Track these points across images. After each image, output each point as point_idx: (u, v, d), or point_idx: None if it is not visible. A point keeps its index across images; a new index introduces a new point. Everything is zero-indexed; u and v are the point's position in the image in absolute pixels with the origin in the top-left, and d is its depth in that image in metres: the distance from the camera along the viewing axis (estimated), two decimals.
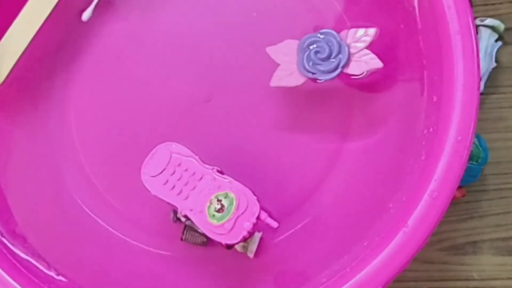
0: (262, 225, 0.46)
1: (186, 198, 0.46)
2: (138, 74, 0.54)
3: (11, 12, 0.51)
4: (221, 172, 0.47)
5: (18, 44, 0.50)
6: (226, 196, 0.45)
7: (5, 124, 0.54)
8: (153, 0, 0.56)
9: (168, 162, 0.47)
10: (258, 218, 0.45)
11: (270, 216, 0.46)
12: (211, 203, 0.45)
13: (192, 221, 0.46)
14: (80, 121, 0.54)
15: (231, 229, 0.44)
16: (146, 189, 0.47)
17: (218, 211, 0.44)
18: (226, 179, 0.46)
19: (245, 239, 0.45)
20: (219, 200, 0.45)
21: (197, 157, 0.47)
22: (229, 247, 0.48)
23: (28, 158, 0.53)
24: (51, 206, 0.53)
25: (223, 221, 0.44)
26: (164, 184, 0.46)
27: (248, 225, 0.44)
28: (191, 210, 0.45)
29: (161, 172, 0.46)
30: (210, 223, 0.44)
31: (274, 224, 0.46)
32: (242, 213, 0.44)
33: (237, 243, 0.44)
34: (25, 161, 0.53)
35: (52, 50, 0.55)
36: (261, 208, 0.45)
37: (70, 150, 0.54)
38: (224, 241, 0.44)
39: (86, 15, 0.53)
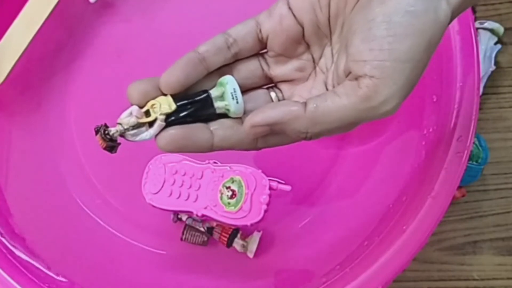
0: (276, 193, 0.46)
1: (196, 199, 0.46)
2: (138, 74, 0.54)
3: (11, 12, 0.51)
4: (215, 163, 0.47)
5: (18, 44, 0.50)
6: (232, 181, 0.45)
7: (5, 124, 0.54)
8: (153, 1, 0.56)
9: (165, 174, 0.47)
10: (270, 188, 0.45)
11: (280, 183, 0.46)
12: (221, 193, 0.45)
13: (210, 219, 0.46)
14: (80, 121, 0.54)
15: (250, 208, 0.44)
16: (154, 207, 0.47)
17: (231, 197, 0.45)
18: (225, 166, 0.46)
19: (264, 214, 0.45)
20: (228, 187, 0.45)
21: (189, 158, 0.47)
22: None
23: (28, 158, 0.53)
24: (51, 206, 0.53)
25: (240, 204, 0.44)
26: (169, 196, 0.46)
27: (264, 198, 0.45)
28: (205, 208, 0.46)
29: (162, 186, 0.47)
30: (229, 211, 0.45)
31: (287, 187, 0.46)
32: (254, 190, 0.45)
33: (261, 219, 0.45)
34: (25, 161, 0.53)
35: (52, 50, 0.55)
36: (269, 178, 0.46)
37: (70, 150, 0.54)
38: (249, 222, 0.44)
39: None
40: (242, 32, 0.30)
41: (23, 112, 0.54)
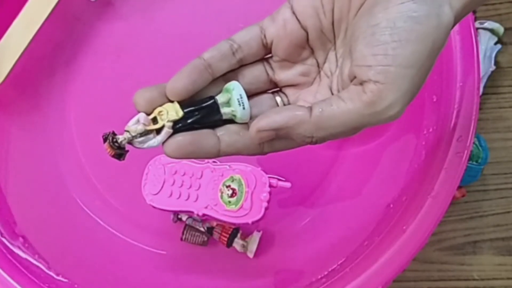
0: (276, 190, 0.46)
1: (196, 199, 0.46)
2: (138, 74, 0.54)
3: (11, 12, 0.51)
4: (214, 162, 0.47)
5: (18, 44, 0.50)
6: (232, 180, 0.45)
7: (5, 124, 0.54)
8: (153, 1, 0.56)
9: (164, 175, 0.47)
10: (270, 186, 0.45)
11: (280, 180, 0.46)
12: (222, 192, 0.45)
13: (211, 218, 0.46)
14: (80, 121, 0.54)
15: (251, 206, 0.44)
16: (155, 208, 0.47)
17: (232, 196, 0.45)
18: (225, 165, 0.46)
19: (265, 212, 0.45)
20: (228, 186, 0.45)
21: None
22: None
23: (28, 158, 0.53)
24: (51, 206, 0.53)
25: (240, 203, 0.45)
26: (170, 196, 0.46)
27: (265, 196, 0.45)
28: (206, 207, 0.46)
29: (162, 187, 0.47)
30: (230, 210, 0.45)
31: (287, 184, 0.46)
32: (254, 188, 0.45)
33: (262, 217, 0.45)
34: (25, 161, 0.53)
35: (52, 49, 0.55)
36: (269, 176, 0.46)
37: (70, 150, 0.54)
38: (250, 220, 0.44)
39: None
40: (246, 38, 0.31)
41: (23, 112, 0.54)
